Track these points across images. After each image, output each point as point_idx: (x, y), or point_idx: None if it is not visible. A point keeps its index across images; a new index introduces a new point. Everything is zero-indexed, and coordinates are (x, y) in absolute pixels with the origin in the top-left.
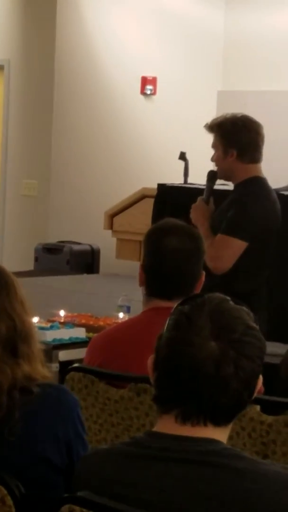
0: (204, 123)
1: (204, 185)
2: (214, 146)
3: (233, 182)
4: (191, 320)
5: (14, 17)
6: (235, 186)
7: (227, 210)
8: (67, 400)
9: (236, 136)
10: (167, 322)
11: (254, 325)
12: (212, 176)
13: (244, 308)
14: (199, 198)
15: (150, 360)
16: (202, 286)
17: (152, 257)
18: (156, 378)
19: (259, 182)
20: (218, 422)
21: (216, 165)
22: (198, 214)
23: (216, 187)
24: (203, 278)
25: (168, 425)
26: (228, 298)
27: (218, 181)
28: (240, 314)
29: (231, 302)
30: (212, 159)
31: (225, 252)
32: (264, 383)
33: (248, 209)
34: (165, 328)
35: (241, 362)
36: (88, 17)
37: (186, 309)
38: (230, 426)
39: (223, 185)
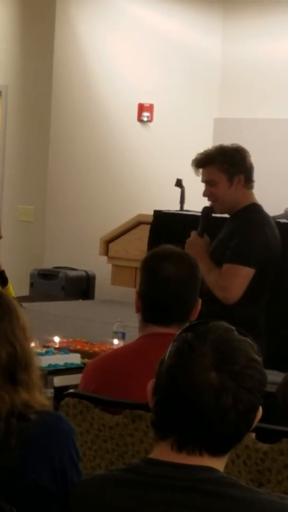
0: (201, 150)
1: (199, 212)
2: (211, 179)
3: (230, 213)
4: (192, 349)
5: (12, 43)
6: (233, 214)
7: (228, 239)
8: (63, 428)
9: (243, 162)
10: (169, 348)
11: (256, 357)
12: (207, 213)
13: (248, 340)
14: (193, 233)
15: (150, 385)
16: (201, 314)
17: (148, 284)
18: (155, 404)
19: (258, 209)
20: (214, 452)
21: (217, 198)
22: (196, 249)
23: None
24: (199, 304)
25: (164, 453)
26: (233, 328)
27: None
28: (244, 345)
29: (235, 333)
30: (207, 194)
31: (235, 281)
32: (264, 412)
33: (252, 237)
34: (167, 354)
35: (240, 394)
36: (86, 44)
37: (189, 337)
38: (227, 456)
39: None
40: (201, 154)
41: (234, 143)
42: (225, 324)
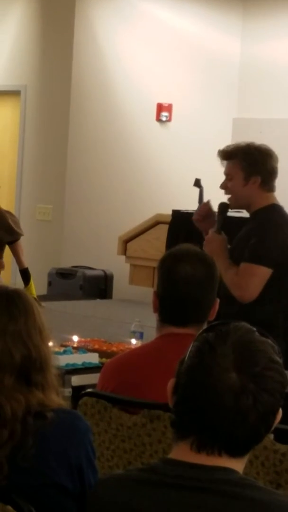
0: (219, 150)
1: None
2: (229, 173)
3: (249, 211)
4: (213, 349)
5: (32, 43)
6: (253, 214)
7: (247, 239)
8: (80, 426)
9: (263, 164)
10: (189, 348)
11: (277, 359)
12: (224, 209)
13: (269, 341)
14: (210, 230)
15: (170, 384)
16: (219, 314)
17: (165, 284)
18: (174, 403)
19: (278, 210)
20: (233, 453)
21: (231, 192)
22: (214, 246)
23: (229, 214)
24: (217, 305)
25: (183, 452)
26: (254, 329)
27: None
28: (264, 347)
29: (256, 334)
30: (223, 187)
31: (251, 280)
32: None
33: (270, 237)
34: (187, 354)
35: (261, 396)
36: (105, 44)
37: (210, 337)
38: (246, 457)
39: (237, 212)
40: (228, 146)
41: (263, 144)
42: (246, 325)
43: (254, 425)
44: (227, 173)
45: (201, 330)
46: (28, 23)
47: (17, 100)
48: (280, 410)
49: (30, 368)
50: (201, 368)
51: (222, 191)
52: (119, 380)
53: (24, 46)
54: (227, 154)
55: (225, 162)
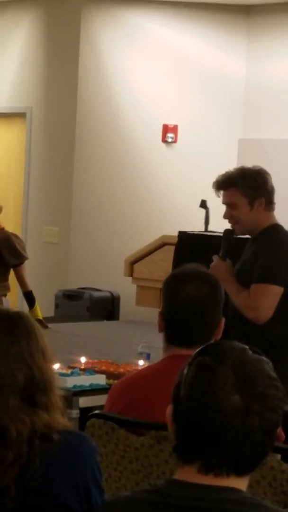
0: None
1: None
2: (232, 202)
3: (252, 233)
4: (213, 373)
5: (37, 65)
6: (256, 236)
7: (253, 261)
8: (86, 447)
9: (264, 185)
10: (185, 373)
11: (274, 375)
12: (228, 235)
13: (264, 358)
14: (215, 257)
15: (168, 410)
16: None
17: (170, 305)
18: (176, 430)
19: (281, 229)
20: (241, 472)
21: (237, 221)
22: (220, 272)
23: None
24: (222, 324)
25: (190, 474)
26: (246, 347)
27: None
28: (262, 365)
29: (250, 352)
30: (228, 217)
31: (265, 300)
32: (285, 431)
33: (278, 256)
34: (184, 380)
35: (265, 414)
36: (110, 66)
37: (208, 361)
38: (250, 475)
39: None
40: (223, 176)
41: (255, 165)
42: (239, 344)
43: (261, 443)
44: (229, 202)
45: (193, 354)
46: (34, 46)
47: (23, 122)
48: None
49: (34, 389)
50: (204, 394)
51: None
52: (127, 401)
53: (29, 68)
54: (225, 183)
55: (221, 192)
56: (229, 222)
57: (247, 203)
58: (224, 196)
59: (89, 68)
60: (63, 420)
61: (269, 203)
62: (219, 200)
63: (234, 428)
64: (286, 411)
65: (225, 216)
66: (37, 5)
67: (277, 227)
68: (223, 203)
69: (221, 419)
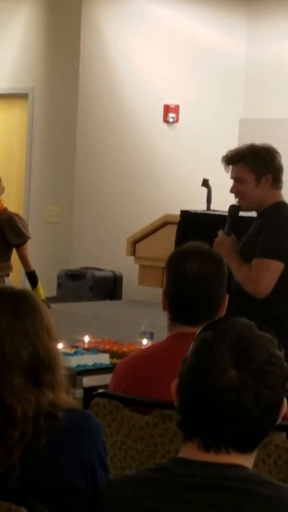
0: (227, 150)
1: (226, 212)
2: (239, 176)
3: (257, 210)
4: (211, 348)
5: (38, 46)
6: (261, 212)
7: (256, 236)
8: (91, 425)
9: (272, 162)
10: (190, 347)
11: (277, 352)
12: (234, 211)
13: (268, 335)
14: (220, 232)
15: (174, 384)
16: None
17: (174, 283)
18: (179, 404)
19: (286, 206)
20: (241, 449)
21: (243, 196)
22: (224, 247)
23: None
24: (226, 301)
25: (193, 452)
26: (253, 323)
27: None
28: (263, 341)
29: (255, 329)
30: (234, 191)
31: (265, 274)
32: None
33: (281, 231)
34: (188, 354)
35: (262, 391)
36: (111, 47)
37: (208, 336)
38: (255, 452)
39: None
40: (232, 151)
41: (265, 143)
42: (244, 320)
43: (258, 421)
44: (236, 177)
45: (200, 329)
46: (35, 26)
47: (24, 102)
48: (285, 402)
49: (39, 367)
50: (200, 368)
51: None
52: (132, 380)
53: (31, 49)
54: (234, 158)
55: (230, 167)
56: (235, 196)
57: (254, 179)
58: (232, 170)
59: (90, 48)
60: (68, 398)
61: (276, 181)
62: (221, 179)
63: (229, 404)
64: None
65: (232, 191)
66: None
67: (283, 205)
68: (231, 177)
69: (216, 394)
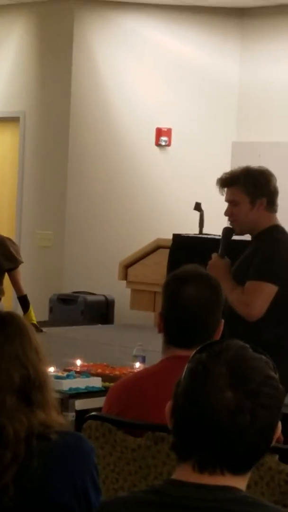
0: (219, 174)
1: (219, 235)
2: (234, 199)
3: (252, 233)
4: (207, 369)
5: (30, 69)
6: (256, 235)
7: (250, 259)
8: (84, 447)
9: (267, 185)
10: (184, 369)
11: (273, 374)
12: (228, 233)
13: (263, 357)
14: (214, 255)
15: (168, 407)
16: (223, 335)
17: (170, 306)
18: (173, 426)
19: (281, 230)
20: (236, 471)
21: (237, 219)
22: (218, 270)
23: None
24: (221, 326)
25: (186, 473)
26: (248, 346)
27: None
28: (258, 363)
29: (250, 350)
30: (228, 214)
31: (258, 297)
32: (284, 433)
33: (275, 255)
34: (183, 375)
35: (258, 412)
36: (103, 70)
37: (203, 358)
38: (249, 474)
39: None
40: (227, 173)
41: (260, 166)
42: (239, 342)
43: (253, 442)
44: (231, 200)
45: (194, 351)
46: (27, 50)
47: (16, 126)
48: (279, 424)
49: (30, 387)
50: (197, 389)
51: (223, 213)
52: (125, 402)
53: (22, 72)
54: (228, 181)
55: (224, 190)
56: (229, 219)
57: (248, 202)
58: (226, 193)
59: (82, 72)
60: (59, 418)
61: (271, 204)
62: (214, 202)
63: (225, 425)
64: (283, 412)
65: (226, 213)
66: (30, 9)
67: (277, 228)
68: (226, 200)
69: (212, 416)
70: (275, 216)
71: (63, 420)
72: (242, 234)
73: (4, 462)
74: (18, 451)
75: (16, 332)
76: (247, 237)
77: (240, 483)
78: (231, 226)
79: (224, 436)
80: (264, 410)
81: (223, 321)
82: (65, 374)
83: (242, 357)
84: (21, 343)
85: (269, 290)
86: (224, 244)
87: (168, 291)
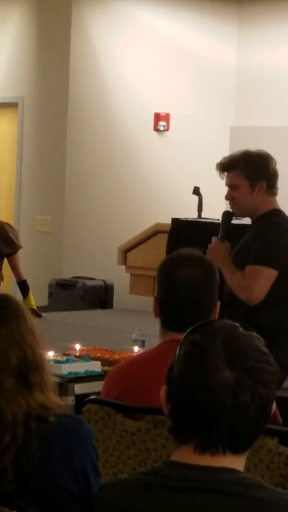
0: (217, 158)
1: (217, 219)
2: (233, 183)
3: (252, 217)
4: (204, 350)
5: (28, 54)
6: (256, 219)
7: (250, 243)
8: (83, 430)
9: (266, 168)
10: (177, 352)
11: (266, 350)
12: (227, 217)
13: (255, 333)
14: (214, 238)
15: (162, 391)
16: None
17: (165, 290)
18: (171, 410)
19: (281, 214)
20: (237, 450)
21: (237, 202)
22: (218, 253)
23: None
24: (218, 308)
25: (186, 455)
26: (237, 324)
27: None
28: (252, 340)
29: (240, 329)
30: (229, 198)
31: (258, 281)
32: (282, 416)
33: (276, 239)
34: (177, 358)
35: (258, 389)
36: (102, 55)
37: (198, 339)
38: (246, 453)
39: (236, 219)
40: (226, 158)
41: (260, 149)
42: (229, 322)
43: (255, 419)
44: (231, 184)
45: (185, 333)
46: (25, 35)
47: (14, 111)
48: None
49: (27, 369)
50: (195, 371)
51: (221, 197)
52: (124, 386)
53: (21, 58)
54: (228, 165)
55: (225, 174)
56: (230, 203)
57: (248, 185)
58: (226, 177)
59: (80, 57)
60: (56, 398)
61: (271, 187)
62: (212, 186)
63: (226, 404)
64: (283, 396)
65: (226, 197)
66: None
67: (277, 212)
68: (226, 184)
69: (213, 395)
70: (275, 199)
71: (61, 402)
72: (242, 216)
73: (2, 444)
74: (17, 433)
75: (12, 314)
76: (247, 220)
77: (239, 463)
78: (231, 210)
79: (226, 415)
80: (263, 386)
81: (219, 303)
82: (64, 358)
83: (236, 335)
84: (17, 325)
85: (268, 275)
86: (224, 228)
87: (162, 274)
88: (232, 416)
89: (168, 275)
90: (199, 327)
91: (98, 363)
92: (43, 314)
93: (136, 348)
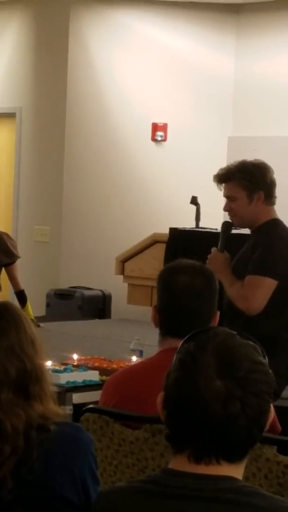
0: (215, 168)
1: (215, 229)
2: (231, 195)
3: (251, 227)
4: (195, 359)
5: (26, 65)
6: (255, 229)
7: (250, 253)
8: (83, 439)
9: (262, 178)
10: (174, 360)
11: (260, 359)
12: (227, 227)
13: (251, 342)
14: (214, 249)
15: (159, 398)
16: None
17: (164, 296)
18: (166, 418)
19: (280, 224)
20: (231, 459)
21: (236, 213)
22: (217, 264)
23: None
24: (217, 317)
25: (183, 464)
26: (234, 333)
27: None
28: (246, 350)
29: (237, 337)
30: (227, 209)
31: (257, 291)
32: (282, 424)
33: (275, 249)
34: (172, 367)
35: (248, 399)
36: (99, 65)
37: (191, 348)
38: (244, 461)
39: (235, 229)
40: (222, 169)
41: (256, 159)
42: (226, 330)
43: (246, 429)
44: (228, 195)
45: (182, 341)
46: (23, 46)
47: (12, 122)
48: (272, 409)
49: (27, 380)
50: (186, 380)
51: (219, 207)
52: (122, 394)
53: (18, 68)
54: (224, 177)
55: (222, 185)
56: (229, 215)
57: (246, 196)
58: (224, 189)
59: (78, 67)
60: (56, 408)
61: (269, 197)
62: (210, 196)
63: (216, 414)
64: (282, 405)
65: (225, 209)
66: (26, 5)
67: (276, 222)
68: (224, 196)
69: (203, 405)
70: (274, 209)
71: (61, 411)
72: (241, 227)
73: (3, 455)
74: (17, 445)
75: (11, 324)
76: (246, 231)
77: (237, 472)
78: (230, 221)
79: (216, 425)
80: (254, 396)
81: (218, 312)
82: (62, 367)
83: (229, 345)
84: (17, 335)
85: (268, 285)
86: (224, 238)
87: (162, 281)
88: (222, 426)
89: (167, 282)
90: (195, 335)
91: (96, 372)
92: (41, 324)
93: (134, 358)
